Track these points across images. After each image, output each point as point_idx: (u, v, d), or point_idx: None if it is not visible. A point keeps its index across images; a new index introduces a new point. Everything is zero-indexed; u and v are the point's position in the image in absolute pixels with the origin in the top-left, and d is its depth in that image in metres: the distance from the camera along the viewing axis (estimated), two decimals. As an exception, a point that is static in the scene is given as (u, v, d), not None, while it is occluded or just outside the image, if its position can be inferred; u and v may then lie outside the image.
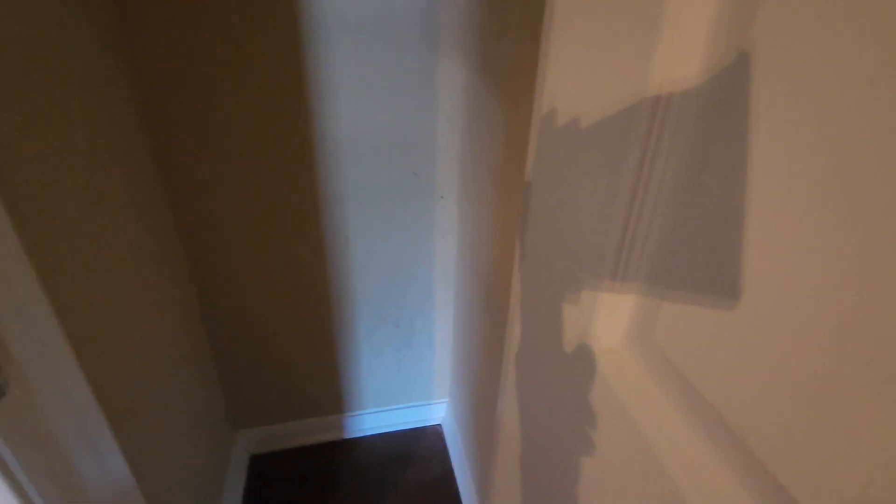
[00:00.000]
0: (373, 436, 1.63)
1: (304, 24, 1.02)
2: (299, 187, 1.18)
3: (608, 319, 0.49)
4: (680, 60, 0.35)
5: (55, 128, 0.70)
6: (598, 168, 0.45)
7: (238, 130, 1.09)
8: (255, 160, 1.12)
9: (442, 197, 1.30)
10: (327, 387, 1.52)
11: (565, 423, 0.57)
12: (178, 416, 1.07)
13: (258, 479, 1.50)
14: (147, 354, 0.93)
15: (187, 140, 1.07)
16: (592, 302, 0.49)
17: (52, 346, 0.50)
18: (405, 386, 1.60)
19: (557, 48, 0.50)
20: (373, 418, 1.62)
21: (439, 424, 1.69)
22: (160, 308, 1.02)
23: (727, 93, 0.32)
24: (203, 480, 1.21)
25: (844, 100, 0.24)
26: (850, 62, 0.24)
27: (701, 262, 0.35)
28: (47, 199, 0.67)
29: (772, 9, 0.28)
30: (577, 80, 0.47)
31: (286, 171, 1.15)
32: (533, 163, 0.61)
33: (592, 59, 0.44)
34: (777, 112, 0.28)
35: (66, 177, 0.72)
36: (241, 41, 1.00)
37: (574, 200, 0.51)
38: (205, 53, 1.00)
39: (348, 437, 1.63)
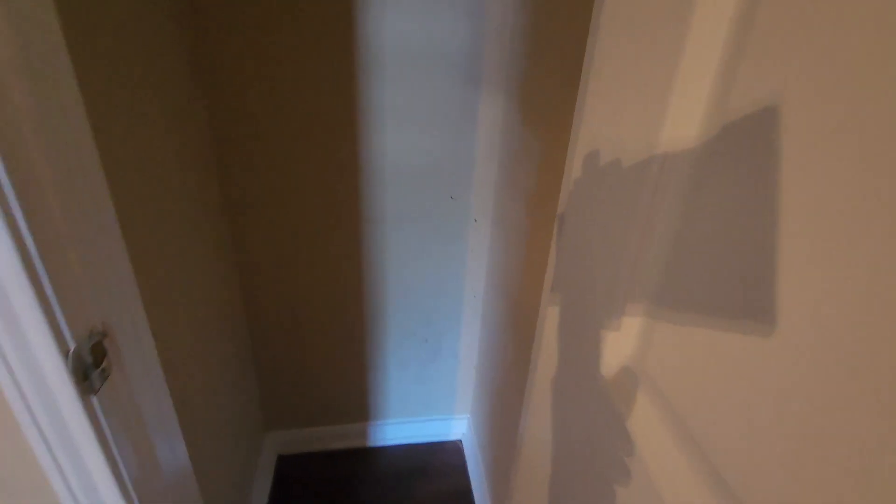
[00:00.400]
0: (394, 446, 1.69)
1: (361, 58, 1.11)
2: (343, 204, 1.27)
3: (622, 345, 0.54)
4: (684, 121, 0.42)
5: (152, 138, 0.80)
6: (620, 203, 0.51)
7: (293, 150, 1.18)
8: (305, 178, 1.22)
9: (475, 220, 1.36)
10: (354, 395, 1.59)
11: (598, 448, 0.61)
12: (220, 411, 1.15)
13: (284, 477, 1.56)
14: (200, 351, 1.01)
15: (247, 157, 1.17)
16: (618, 328, 0.54)
17: (143, 337, 0.58)
18: (429, 400, 1.65)
19: (592, 103, 0.57)
20: (395, 429, 1.67)
21: (459, 440, 1.73)
22: (214, 309, 1.10)
23: (719, 148, 0.38)
24: (235, 474, 1.28)
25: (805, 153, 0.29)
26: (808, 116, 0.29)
27: (703, 288, 0.41)
28: (139, 204, 0.76)
29: (744, 93, 0.34)
30: (607, 129, 0.54)
31: (332, 190, 1.24)
32: (566, 197, 0.67)
33: (619, 114, 0.50)
34: (755, 166, 0.34)
35: (154, 186, 0.81)
36: (302, 71, 1.10)
37: (601, 232, 0.56)
38: (269, 81, 1.10)
39: (371, 445, 1.68)
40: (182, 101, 0.96)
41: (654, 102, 0.45)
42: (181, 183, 0.94)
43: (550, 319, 0.78)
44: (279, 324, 1.41)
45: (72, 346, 0.45)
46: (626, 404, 0.53)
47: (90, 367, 0.48)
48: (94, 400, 0.49)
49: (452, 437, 1.73)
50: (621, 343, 0.56)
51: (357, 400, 1.60)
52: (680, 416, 0.45)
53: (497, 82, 1.19)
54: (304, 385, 1.54)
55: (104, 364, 0.50)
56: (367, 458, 1.64)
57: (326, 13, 1.06)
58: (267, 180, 1.21)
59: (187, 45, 1.01)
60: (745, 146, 0.37)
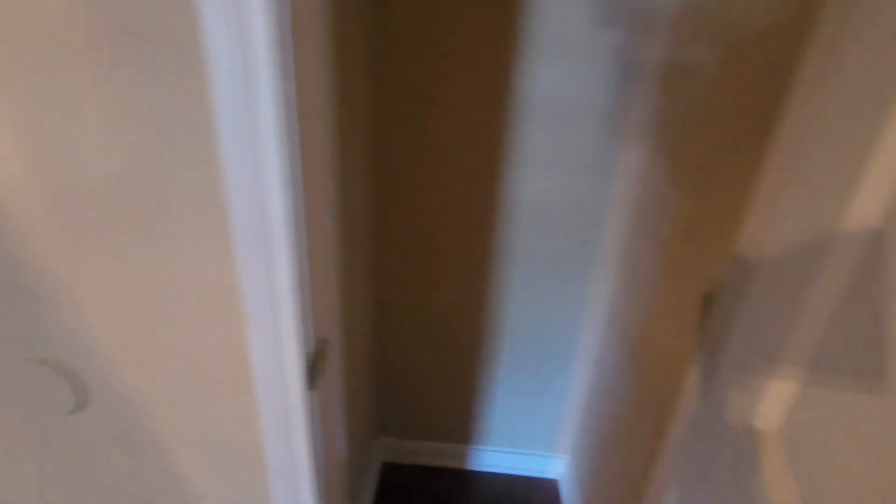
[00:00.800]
0: (492, 474, 1.72)
1: (512, 106, 1.20)
2: (479, 236, 1.36)
3: (778, 406, 0.55)
4: (864, 212, 0.44)
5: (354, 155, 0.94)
6: (787, 278, 0.53)
7: (441, 181, 1.30)
8: (447, 208, 1.33)
9: (601, 264, 1.39)
10: (461, 416, 1.66)
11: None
12: (352, 414, 1.27)
13: (387, 485, 1.66)
14: (353, 357, 1.14)
15: (399, 183, 1.31)
16: (769, 390, 0.55)
17: (336, 344, 0.69)
18: (531, 434, 1.67)
19: (777, 181, 0.59)
20: (495, 457, 1.71)
21: (556, 480, 1.72)
22: (361, 318, 1.24)
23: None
24: (351, 473, 1.39)
25: None
26: None
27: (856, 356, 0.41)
28: (347, 216, 0.90)
29: None
30: (784, 209, 0.56)
31: (471, 221, 1.34)
32: (733, 262, 0.69)
33: (804, 196, 0.53)
34: None
35: (347, 209, 0.95)
36: (459, 113, 1.22)
37: (763, 301, 0.58)
38: (428, 119, 1.23)
39: (469, 468, 1.73)
40: (360, 132, 1.11)
41: (839, 192, 0.47)
42: (358, 202, 1.08)
43: (693, 377, 0.79)
44: (403, 336, 1.53)
45: (310, 349, 0.56)
46: (773, 466, 0.54)
47: (314, 367, 0.59)
48: (313, 395, 0.60)
49: (550, 475, 1.73)
50: (770, 405, 0.57)
51: (463, 421, 1.67)
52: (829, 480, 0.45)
53: (639, 135, 1.22)
54: (416, 398, 1.64)
55: (322, 366, 0.61)
56: (465, 480, 1.70)
57: (487, 66, 1.17)
58: (414, 204, 1.33)
59: (371, 76, 1.17)
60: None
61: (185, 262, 0.52)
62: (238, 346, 0.57)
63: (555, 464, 1.72)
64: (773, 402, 0.57)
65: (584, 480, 1.50)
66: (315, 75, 0.50)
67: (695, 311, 0.94)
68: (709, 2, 0.99)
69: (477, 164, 1.27)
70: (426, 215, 1.34)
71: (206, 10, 0.40)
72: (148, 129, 0.46)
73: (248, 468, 0.67)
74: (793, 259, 0.55)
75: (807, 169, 0.55)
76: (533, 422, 1.65)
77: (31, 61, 0.43)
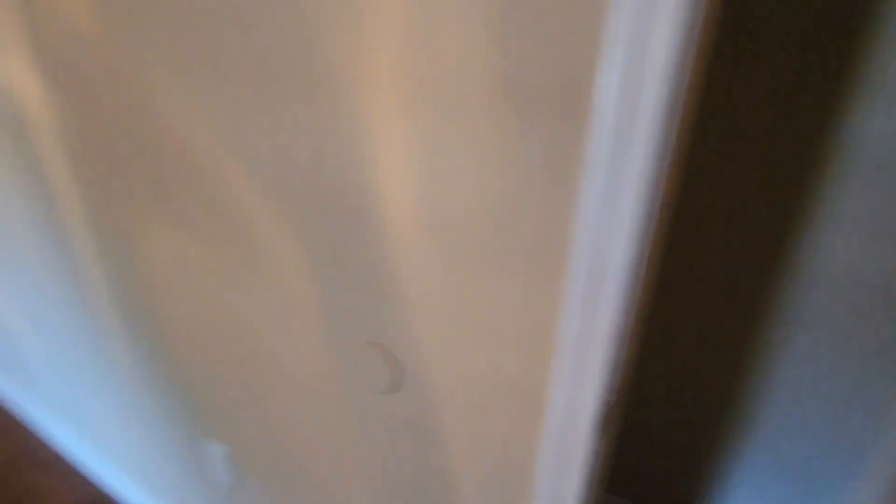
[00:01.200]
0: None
1: (826, 159, 1.03)
2: (758, 301, 1.19)
3: None
4: None
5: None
6: None
7: (726, 232, 1.18)
8: (728, 265, 1.20)
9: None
10: (692, 496, 1.47)
11: None
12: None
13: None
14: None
15: (677, 236, 1.24)
16: None
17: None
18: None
19: None
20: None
21: None
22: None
23: None
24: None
25: None
26: None
27: None
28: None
29: None
30: None
31: (752, 283, 1.19)
32: None
33: None
34: None
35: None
36: (759, 158, 1.09)
37: None
38: (722, 168, 1.13)
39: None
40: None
41: None
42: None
43: None
44: (645, 393, 1.44)
45: (610, 398, 0.56)
46: None
47: (609, 416, 0.59)
48: (600, 443, 0.60)
49: None
50: None
51: (692, 501, 1.48)
52: None
53: None
54: (645, 461, 1.52)
55: (614, 415, 0.60)
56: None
57: (799, 113, 1.02)
58: (687, 256, 1.24)
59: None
60: None
61: (514, 292, 0.57)
62: (539, 380, 0.61)
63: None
64: None
65: None
66: (681, 140, 0.50)
67: None
68: None
69: (770, 218, 1.12)
70: (700, 270, 1.23)
71: (606, 76, 0.43)
72: (519, 174, 0.52)
73: (512, 495, 0.71)
74: None
75: None
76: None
77: (444, 112, 0.53)
